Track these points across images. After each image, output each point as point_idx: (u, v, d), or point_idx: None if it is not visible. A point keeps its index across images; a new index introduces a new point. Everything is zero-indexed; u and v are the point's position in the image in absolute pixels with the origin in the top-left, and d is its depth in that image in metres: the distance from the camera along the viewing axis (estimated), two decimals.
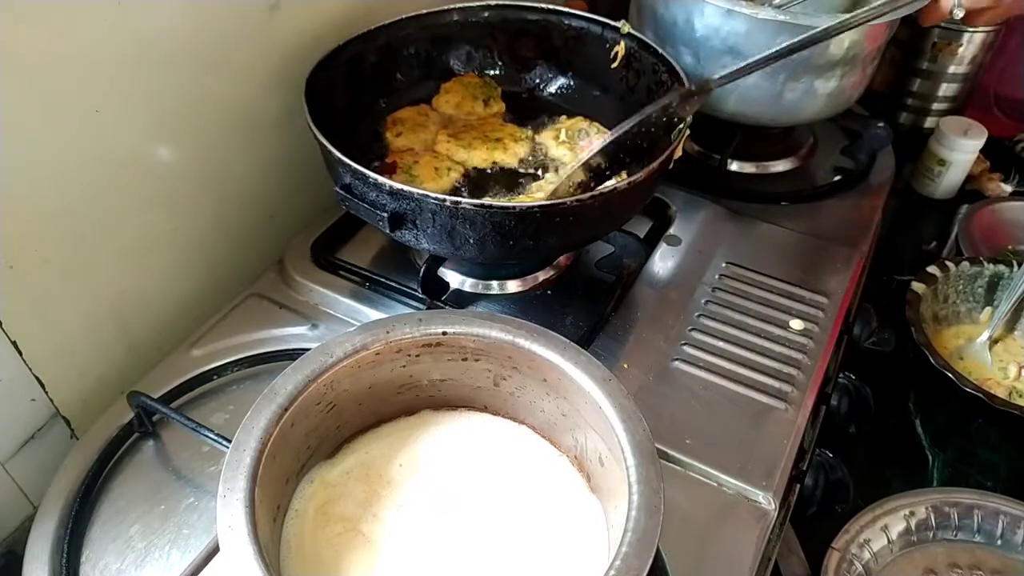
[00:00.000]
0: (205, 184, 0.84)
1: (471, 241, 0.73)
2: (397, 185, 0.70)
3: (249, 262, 0.91)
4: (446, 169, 0.88)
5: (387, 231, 0.74)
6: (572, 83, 1.03)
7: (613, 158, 0.82)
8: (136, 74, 0.72)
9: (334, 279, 0.87)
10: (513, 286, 0.88)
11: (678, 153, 0.80)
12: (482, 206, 0.71)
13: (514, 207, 0.71)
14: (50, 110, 0.65)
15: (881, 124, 1.11)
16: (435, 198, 0.70)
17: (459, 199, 0.70)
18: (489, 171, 0.91)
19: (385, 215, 0.73)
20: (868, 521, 0.84)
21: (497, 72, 1.03)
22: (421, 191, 0.70)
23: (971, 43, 1.28)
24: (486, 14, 0.99)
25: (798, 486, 0.80)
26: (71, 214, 0.70)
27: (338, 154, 0.73)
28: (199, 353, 0.79)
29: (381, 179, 0.71)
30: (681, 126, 0.82)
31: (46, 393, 0.73)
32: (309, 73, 0.81)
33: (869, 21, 0.81)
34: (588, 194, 0.73)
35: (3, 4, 0.59)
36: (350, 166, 0.72)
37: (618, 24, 0.94)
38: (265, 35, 0.84)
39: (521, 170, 0.92)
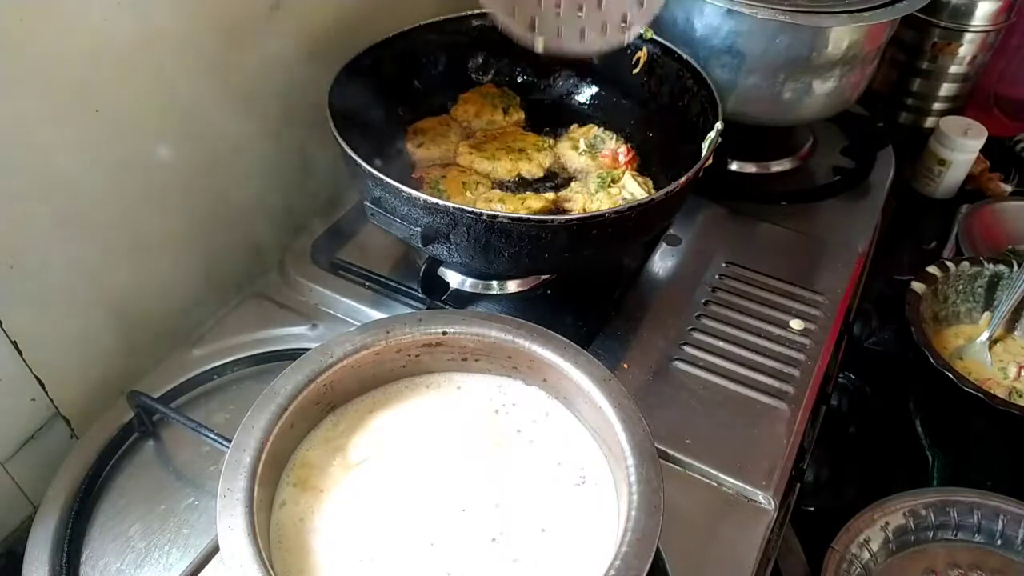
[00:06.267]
0: (205, 184, 0.84)
1: (505, 255, 0.73)
2: (432, 199, 0.69)
3: (249, 262, 0.91)
4: (474, 184, 0.88)
5: (419, 245, 0.73)
6: (593, 90, 1.02)
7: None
8: (136, 74, 0.72)
9: (334, 279, 0.87)
10: (513, 286, 0.88)
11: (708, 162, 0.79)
12: (519, 219, 0.71)
13: (551, 220, 0.71)
14: (50, 110, 0.65)
15: (881, 124, 1.12)
16: (471, 212, 0.69)
17: (495, 212, 0.69)
18: (514, 182, 0.91)
19: (418, 230, 0.72)
20: (868, 521, 0.84)
21: (517, 80, 1.02)
22: (456, 205, 0.70)
23: (971, 43, 1.28)
24: None
25: (798, 486, 0.80)
26: (71, 214, 0.70)
27: (368, 167, 0.72)
28: (199, 353, 0.79)
29: (415, 193, 0.70)
30: (712, 134, 0.81)
31: (46, 393, 0.73)
32: (331, 83, 0.80)
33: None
34: (626, 206, 0.72)
35: (4, 4, 0.59)
36: (382, 180, 0.71)
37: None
38: (265, 35, 0.84)
39: (547, 180, 0.92)
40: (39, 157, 0.66)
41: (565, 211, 0.86)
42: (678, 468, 0.72)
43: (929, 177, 1.29)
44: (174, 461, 0.71)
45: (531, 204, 0.84)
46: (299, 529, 0.56)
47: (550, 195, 0.88)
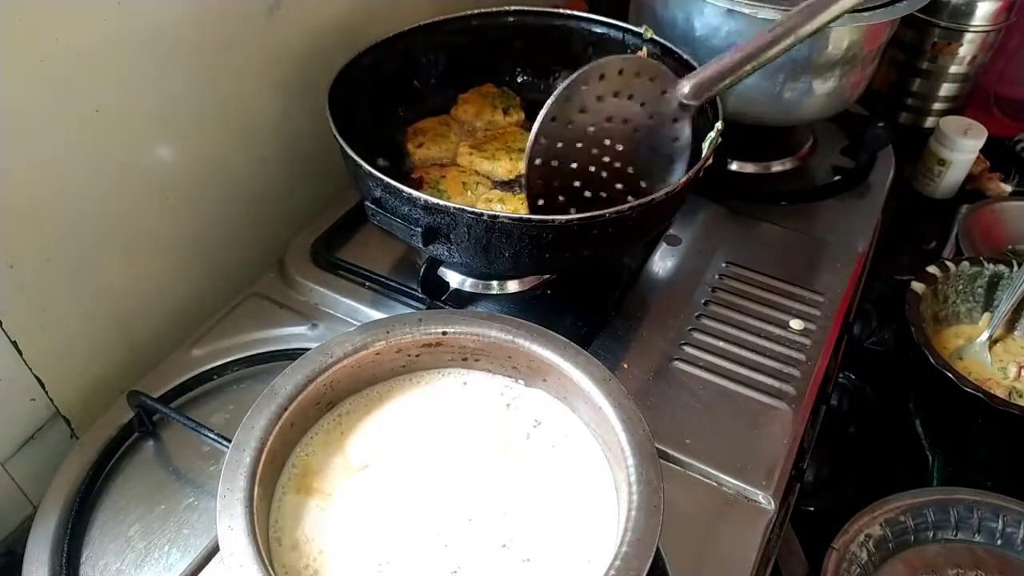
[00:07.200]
0: (205, 184, 0.84)
1: (506, 255, 0.73)
2: (432, 200, 0.69)
3: (249, 262, 0.91)
4: (474, 184, 0.88)
5: (420, 245, 0.73)
6: None
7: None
8: (136, 74, 0.72)
9: (334, 279, 0.87)
10: (513, 286, 0.88)
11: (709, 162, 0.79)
12: (520, 219, 0.70)
13: (552, 220, 0.70)
14: (50, 110, 0.65)
15: (881, 124, 1.12)
16: (472, 212, 0.69)
17: (496, 213, 0.69)
18: (514, 182, 0.90)
19: (419, 230, 0.71)
20: (868, 521, 0.84)
21: (517, 79, 1.02)
22: (457, 205, 0.69)
23: (971, 43, 1.28)
24: (506, 20, 0.97)
25: (798, 486, 0.80)
26: (71, 214, 0.70)
27: (368, 167, 0.72)
28: (199, 353, 0.79)
29: (416, 193, 0.70)
30: (713, 134, 0.81)
31: (46, 393, 0.73)
32: (331, 83, 0.80)
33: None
34: (627, 206, 0.72)
35: (4, 4, 0.59)
36: (382, 180, 0.71)
37: (640, 29, 0.92)
38: (265, 35, 0.84)
39: None
40: (39, 157, 0.66)
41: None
42: (678, 468, 0.72)
43: (929, 177, 1.29)
44: (174, 461, 0.71)
45: None
46: (302, 531, 0.56)
47: None
